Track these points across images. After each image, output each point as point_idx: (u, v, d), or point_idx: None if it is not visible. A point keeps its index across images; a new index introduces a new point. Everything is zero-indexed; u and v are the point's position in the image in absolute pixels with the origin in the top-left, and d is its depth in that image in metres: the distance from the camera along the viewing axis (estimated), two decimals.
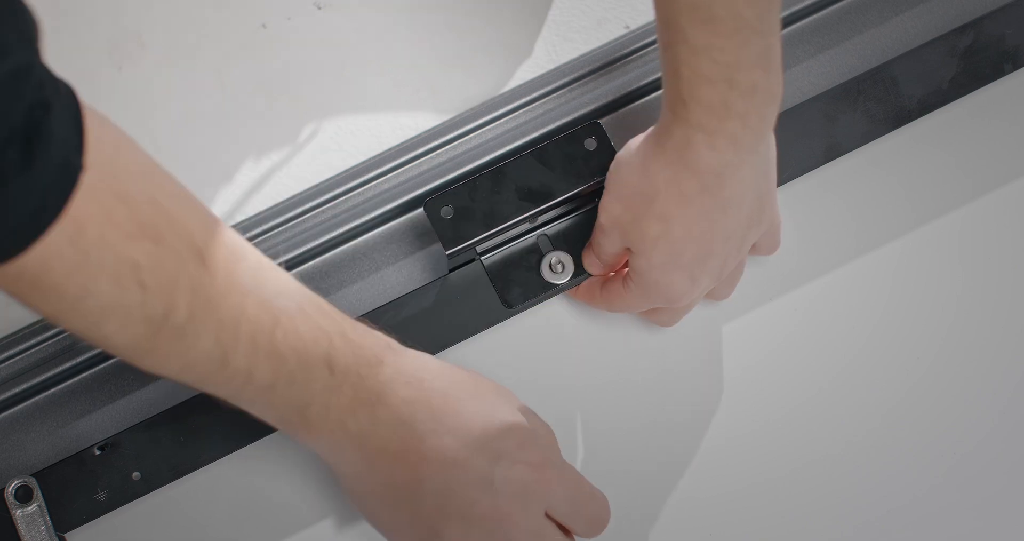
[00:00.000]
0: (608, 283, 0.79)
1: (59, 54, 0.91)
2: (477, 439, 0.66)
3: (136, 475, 0.79)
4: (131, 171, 0.56)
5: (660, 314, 0.80)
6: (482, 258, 0.81)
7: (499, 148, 0.84)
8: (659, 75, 0.85)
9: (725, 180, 0.70)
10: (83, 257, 0.53)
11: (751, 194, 0.72)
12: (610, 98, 0.85)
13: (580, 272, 0.81)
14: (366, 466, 0.67)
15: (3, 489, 0.77)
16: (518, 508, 0.67)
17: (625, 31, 0.90)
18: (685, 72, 0.67)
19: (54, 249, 0.53)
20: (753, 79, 0.67)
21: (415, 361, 0.68)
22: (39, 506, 0.77)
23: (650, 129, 0.74)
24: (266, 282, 0.62)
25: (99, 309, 0.55)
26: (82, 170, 0.53)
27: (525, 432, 0.69)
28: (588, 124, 0.80)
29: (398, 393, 0.65)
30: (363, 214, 0.84)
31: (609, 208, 0.75)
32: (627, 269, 0.77)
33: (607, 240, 0.76)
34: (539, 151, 0.79)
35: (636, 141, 0.74)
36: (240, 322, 0.59)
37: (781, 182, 0.83)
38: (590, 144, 0.79)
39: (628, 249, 0.75)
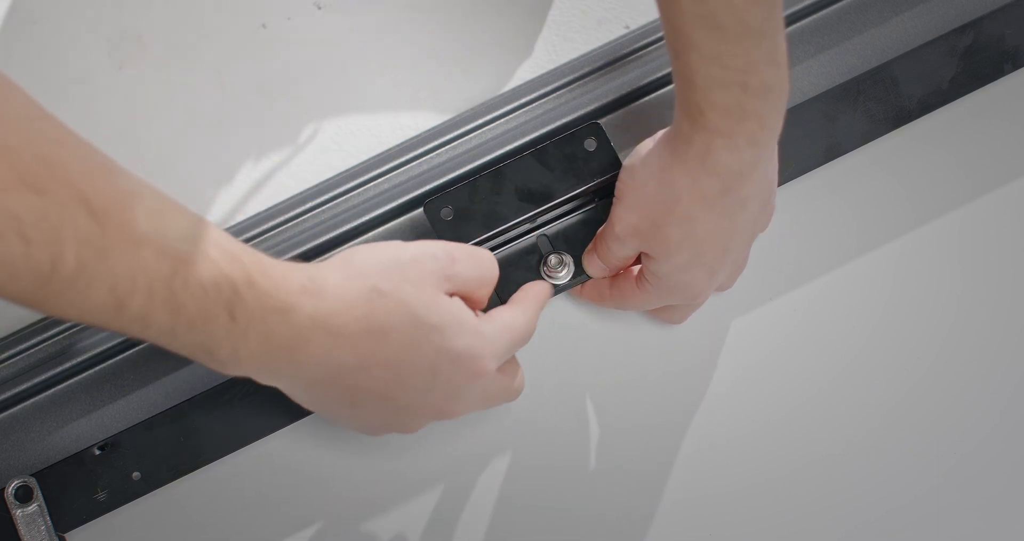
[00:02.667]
0: (618, 282, 0.80)
1: (59, 54, 0.91)
2: (407, 365, 0.66)
3: (136, 475, 0.79)
4: (9, 119, 0.54)
5: (673, 312, 0.80)
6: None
7: (499, 148, 0.84)
8: (659, 75, 0.85)
9: (746, 178, 0.71)
10: None
11: (765, 187, 0.74)
12: (610, 98, 0.85)
13: (580, 272, 0.81)
14: (297, 389, 0.67)
15: (3, 489, 0.77)
16: (463, 400, 0.70)
17: (625, 31, 0.90)
18: (699, 80, 0.67)
19: None
20: (764, 79, 0.67)
21: (335, 303, 0.64)
22: (39, 506, 0.77)
23: (660, 136, 0.74)
24: (166, 226, 0.58)
25: None
26: None
27: (454, 340, 0.68)
28: (588, 125, 0.79)
29: (317, 341, 0.63)
30: (363, 214, 0.84)
31: (625, 217, 0.75)
32: (639, 270, 0.78)
33: (622, 248, 0.76)
34: (539, 152, 0.79)
35: (646, 149, 0.74)
36: (135, 272, 0.57)
37: (781, 182, 0.83)
38: (590, 145, 0.79)
39: (644, 254, 0.76)
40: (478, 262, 0.71)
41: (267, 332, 0.61)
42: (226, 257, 0.60)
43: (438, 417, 0.70)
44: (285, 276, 0.63)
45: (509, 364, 0.75)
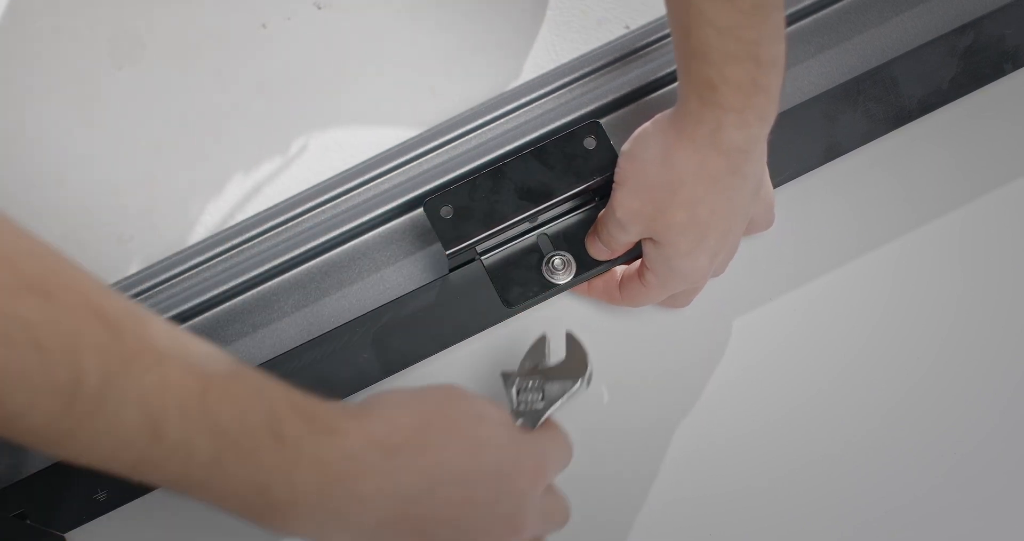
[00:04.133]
0: (624, 280, 0.80)
1: (59, 54, 0.91)
2: (475, 475, 0.62)
3: None
4: (6, 232, 0.50)
5: (676, 298, 0.80)
6: (482, 258, 0.81)
7: (499, 148, 0.84)
8: (659, 75, 0.85)
9: (750, 155, 0.71)
10: None
11: (761, 167, 0.74)
12: (610, 98, 0.85)
13: (581, 271, 0.81)
14: (359, 537, 0.61)
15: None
16: (529, 512, 0.66)
17: (625, 31, 0.90)
18: (713, 55, 0.67)
19: None
20: (773, 52, 0.68)
21: (384, 424, 0.60)
22: None
23: (660, 119, 0.74)
24: (186, 345, 0.54)
25: None
26: None
27: (509, 448, 0.65)
28: (588, 123, 0.80)
29: (374, 464, 0.58)
30: (363, 214, 0.84)
31: (627, 203, 0.75)
32: (640, 264, 0.78)
33: (624, 234, 0.76)
34: (539, 150, 0.79)
35: (646, 133, 0.74)
36: (164, 388, 0.52)
37: (781, 182, 0.83)
38: (589, 143, 0.79)
39: (647, 239, 0.76)
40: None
41: (320, 458, 0.56)
42: (256, 377, 0.56)
43: (509, 535, 0.65)
44: (322, 402, 0.59)
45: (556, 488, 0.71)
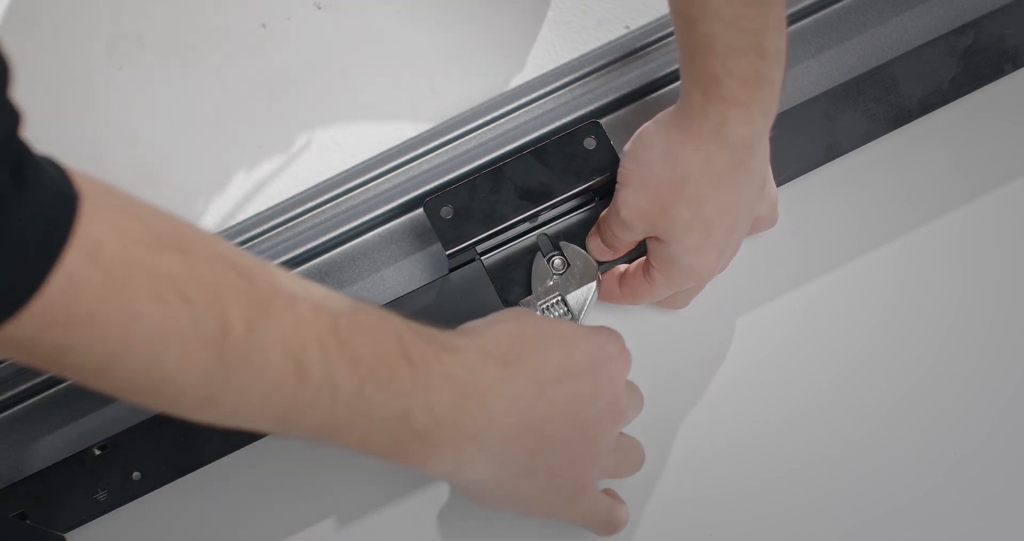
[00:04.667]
0: (629, 280, 0.80)
1: (59, 54, 0.91)
2: (574, 371, 0.66)
3: (136, 475, 0.79)
4: (128, 196, 0.52)
5: (677, 297, 0.80)
6: (482, 258, 0.81)
7: (499, 148, 0.84)
8: (659, 75, 0.85)
9: (754, 150, 0.71)
10: (110, 275, 0.48)
11: (765, 163, 0.74)
12: (610, 98, 0.85)
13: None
14: (493, 464, 0.64)
15: None
16: (620, 393, 0.70)
17: (625, 31, 0.90)
18: (718, 47, 0.67)
19: (76, 271, 0.47)
20: (777, 44, 0.68)
21: (487, 339, 0.64)
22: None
23: (661, 117, 0.74)
24: (310, 288, 0.57)
25: (150, 338, 0.49)
26: (78, 196, 0.49)
27: (596, 345, 0.69)
28: (588, 124, 0.80)
29: (493, 375, 0.62)
30: (363, 214, 0.84)
31: (631, 202, 0.74)
32: (646, 260, 0.78)
33: (629, 233, 0.76)
34: (539, 151, 0.79)
35: (648, 132, 0.74)
36: (301, 326, 0.54)
37: (781, 182, 0.83)
38: (590, 144, 0.79)
39: (653, 238, 0.76)
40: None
41: (449, 375, 0.60)
42: (375, 309, 0.59)
43: (616, 418, 0.69)
44: (432, 327, 0.62)
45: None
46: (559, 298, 0.79)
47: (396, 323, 0.59)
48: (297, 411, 0.55)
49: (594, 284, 0.79)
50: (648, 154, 0.73)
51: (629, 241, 0.77)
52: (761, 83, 0.68)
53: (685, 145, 0.71)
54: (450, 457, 0.62)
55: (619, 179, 0.75)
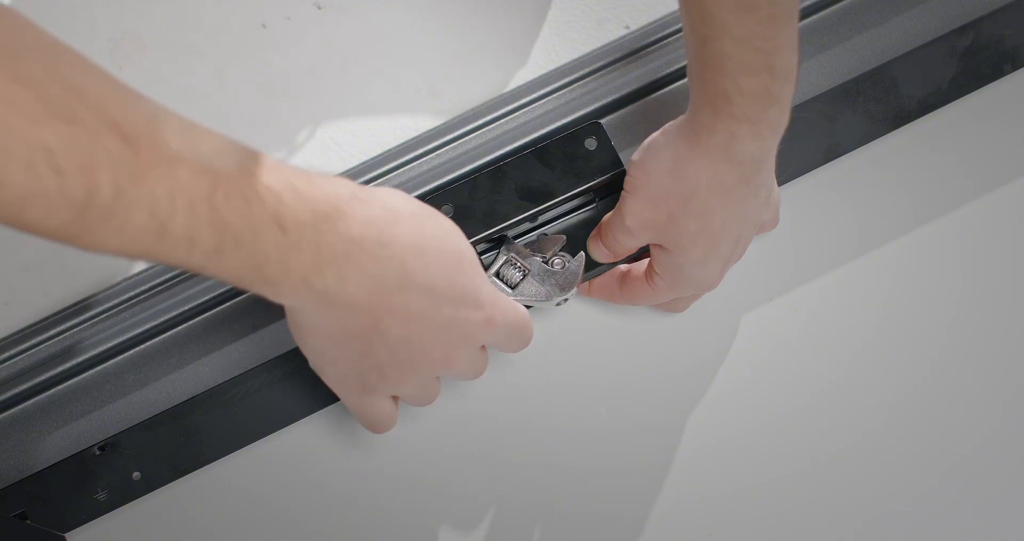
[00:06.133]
0: (629, 281, 0.80)
1: None
2: (442, 296, 0.66)
3: (136, 475, 0.79)
4: (33, 51, 0.53)
5: (677, 302, 0.81)
6: (482, 257, 0.81)
7: (499, 148, 0.84)
8: (659, 75, 0.85)
9: (762, 165, 0.71)
10: None
11: (771, 174, 0.75)
12: (610, 98, 0.85)
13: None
14: (327, 316, 0.64)
15: None
16: (465, 351, 0.69)
17: (625, 31, 0.90)
18: (729, 65, 0.67)
19: None
20: (788, 63, 0.68)
21: (385, 213, 0.64)
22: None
23: (669, 128, 0.74)
24: (198, 145, 0.57)
25: (16, 199, 0.52)
26: None
27: (480, 284, 0.68)
28: (588, 124, 0.80)
29: (368, 249, 0.62)
30: None
31: (638, 211, 0.75)
32: (648, 264, 0.78)
33: (633, 240, 0.77)
34: (539, 151, 0.79)
35: (656, 143, 0.74)
36: (174, 191, 0.55)
37: (781, 182, 0.83)
38: (590, 144, 0.79)
39: (657, 246, 0.76)
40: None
41: (319, 241, 0.60)
42: (265, 169, 0.59)
43: (443, 365, 0.69)
44: (332, 183, 0.62)
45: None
46: (523, 270, 0.78)
47: (282, 183, 0.59)
48: (152, 256, 0.57)
49: (551, 302, 0.78)
50: (656, 165, 0.73)
51: (631, 247, 0.78)
52: (771, 101, 0.68)
53: (693, 159, 0.71)
54: (293, 303, 0.63)
55: (626, 187, 0.76)
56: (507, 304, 0.71)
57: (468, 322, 0.68)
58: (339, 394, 0.72)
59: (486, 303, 0.68)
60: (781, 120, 0.70)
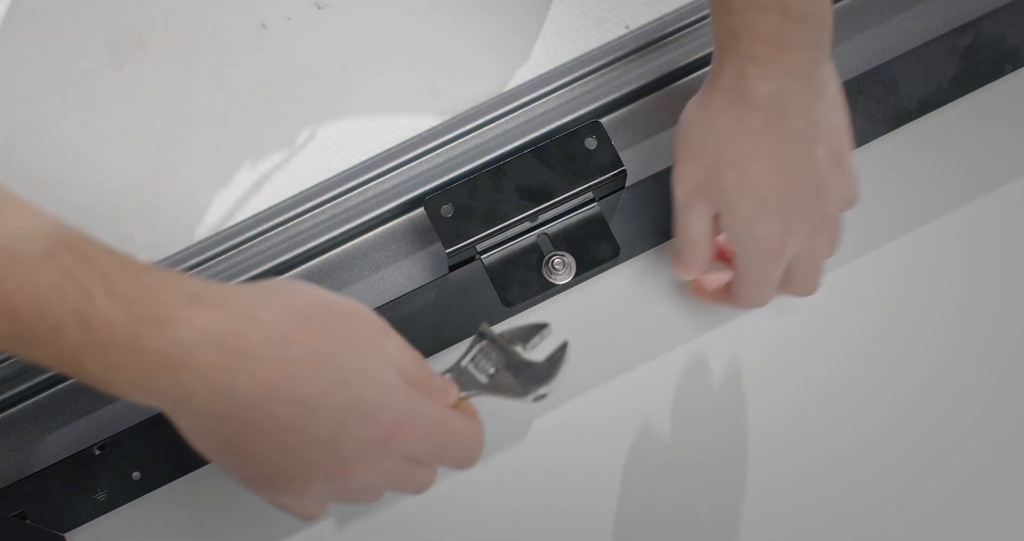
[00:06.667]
0: (722, 288, 0.77)
1: (59, 54, 0.91)
2: (321, 410, 0.57)
3: (136, 475, 0.79)
4: None
5: (793, 282, 0.75)
6: (482, 257, 0.81)
7: (499, 148, 0.84)
8: (660, 75, 0.85)
9: (786, 111, 0.68)
10: None
11: (820, 127, 0.70)
12: (610, 98, 0.85)
13: (581, 271, 0.81)
14: (186, 423, 0.58)
15: None
16: (368, 465, 0.60)
17: (625, 31, 0.90)
18: (738, 3, 0.66)
19: None
20: (806, 7, 0.66)
21: (235, 319, 0.56)
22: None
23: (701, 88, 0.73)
24: (5, 221, 0.52)
25: None
26: None
27: (377, 393, 0.60)
28: (589, 123, 0.80)
29: (206, 359, 0.54)
30: (363, 214, 0.84)
31: (681, 175, 0.72)
32: (727, 253, 0.75)
33: (691, 217, 0.73)
34: (540, 150, 0.79)
35: (688, 103, 0.73)
36: None
37: None
38: (591, 143, 0.79)
39: (716, 215, 0.72)
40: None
41: (137, 346, 0.54)
42: (75, 257, 0.53)
43: (344, 480, 0.61)
44: (164, 283, 0.55)
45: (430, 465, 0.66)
46: (500, 362, 0.69)
47: (91, 279, 0.53)
48: None
49: (527, 397, 0.68)
50: (687, 123, 0.72)
51: (698, 229, 0.73)
52: (784, 43, 0.66)
53: (713, 104, 0.70)
54: (149, 403, 0.57)
55: (674, 159, 0.73)
56: (431, 415, 0.62)
57: (361, 439, 0.59)
58: (258, 495, 0.63)
59: (386, 416, 0.59)
60: (801, 66, 0.67)
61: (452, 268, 0.81)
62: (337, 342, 0.59)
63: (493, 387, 0.68)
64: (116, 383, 0.55)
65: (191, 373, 0.55)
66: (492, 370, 0.69)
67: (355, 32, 0.91)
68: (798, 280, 0.75)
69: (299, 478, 0.60)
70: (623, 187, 0.82)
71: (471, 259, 0.81)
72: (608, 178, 0.79)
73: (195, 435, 0.59)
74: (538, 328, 0.70)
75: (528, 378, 0.69)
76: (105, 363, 0.54)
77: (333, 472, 0.60)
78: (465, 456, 0.65)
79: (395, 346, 0.62)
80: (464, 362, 0.68)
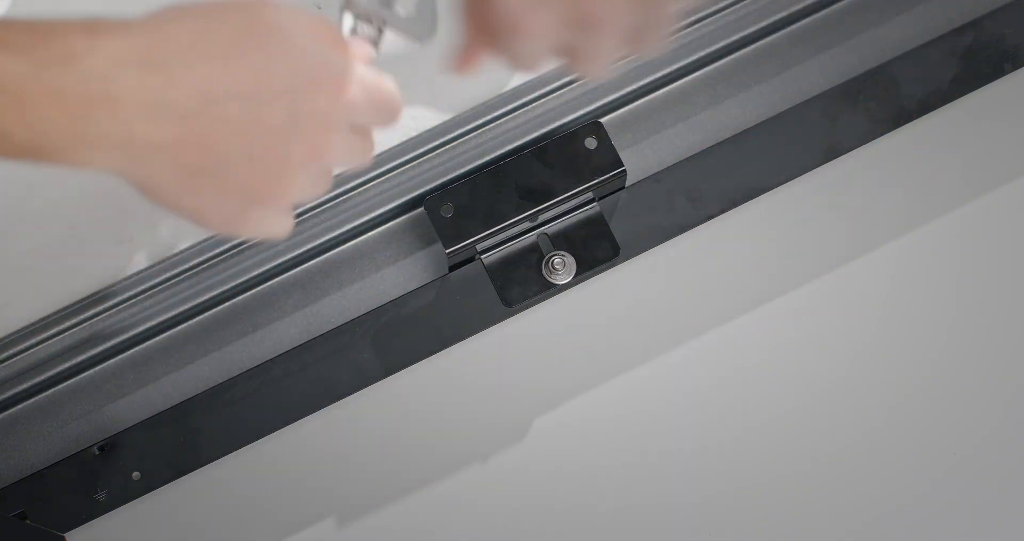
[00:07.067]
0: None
1: None
2: (264, 92, 0.55)
3: (136, 475, 0.79)
4: None
5: (515, 52, 0.67)
6: (482, 256, 0.81)
7: (499, 148, 0.84)
8: (659, 75, 0.85)
9: None
10: None
11: None
12: (610, 98, 0.85)
13: (581, 271, 0.81)
14: (143, 170, 0.54)
15: None
16: (328, 138, 0.59)
17: None
18: None
19: None
20: None
21: (145, 38, 0.52)
22: None
23: None
24: None
25: None
26: None
27: (308, 59, 0.57)
28: (589, 123, 0.80)
29: (130, 82, 0.51)
30: (363, 214, 0.84)
31: None
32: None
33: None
34: (540, 150, 0.79)
35: None
36: None
37: (781, 183, 0.83)
38: (590, 143, 0.79)
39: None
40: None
41: (52, 91, 0.50)
42: None
43: (315, 160, 0.58)
44: (57, 25, 0.51)
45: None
46: (377, 30, 0.67)
47: None
48: None
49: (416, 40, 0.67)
50: None
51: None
52: None
53: None
54: (84, 162, 0.53)
55: None
56: (362, 73, 0.60)
57: (315, 111, 0.57)
58: (228, 229, 0.60)
59: (326, 78, 0.57)
60: None
61: (452, 268, 0.81)
62: (250, 28, 0.55)
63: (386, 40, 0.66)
64: (52, 146, 0.51)
65: (121, 104, 0.51)
66: (376, 33, 0.67)
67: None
68: (526, 54, 0.67)
69: (279, 179, 0.58)
70: (623, 187, 0.82)
71: (471, 259, 0.81)
72: (608, 178, 0.79)
73: (159, 183, 0.55)
74: None
75: (415, 25, 0.68)
76: (30, 124, 0.50)
77: (306, 156, 0.58)
78: (393, 109, 0.63)
79: (299, 15, 0.58)
80: (345, 30, 0.66)
